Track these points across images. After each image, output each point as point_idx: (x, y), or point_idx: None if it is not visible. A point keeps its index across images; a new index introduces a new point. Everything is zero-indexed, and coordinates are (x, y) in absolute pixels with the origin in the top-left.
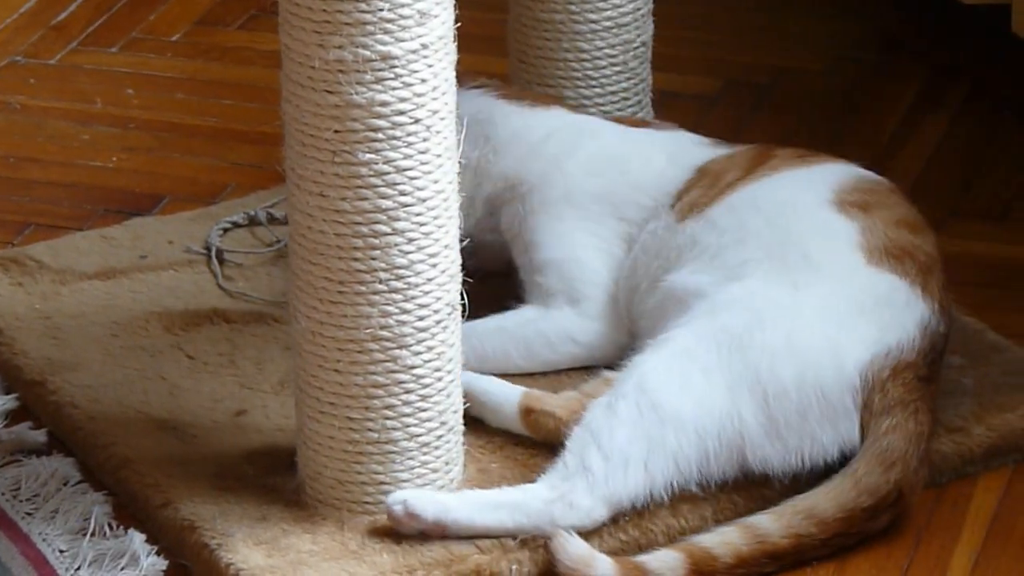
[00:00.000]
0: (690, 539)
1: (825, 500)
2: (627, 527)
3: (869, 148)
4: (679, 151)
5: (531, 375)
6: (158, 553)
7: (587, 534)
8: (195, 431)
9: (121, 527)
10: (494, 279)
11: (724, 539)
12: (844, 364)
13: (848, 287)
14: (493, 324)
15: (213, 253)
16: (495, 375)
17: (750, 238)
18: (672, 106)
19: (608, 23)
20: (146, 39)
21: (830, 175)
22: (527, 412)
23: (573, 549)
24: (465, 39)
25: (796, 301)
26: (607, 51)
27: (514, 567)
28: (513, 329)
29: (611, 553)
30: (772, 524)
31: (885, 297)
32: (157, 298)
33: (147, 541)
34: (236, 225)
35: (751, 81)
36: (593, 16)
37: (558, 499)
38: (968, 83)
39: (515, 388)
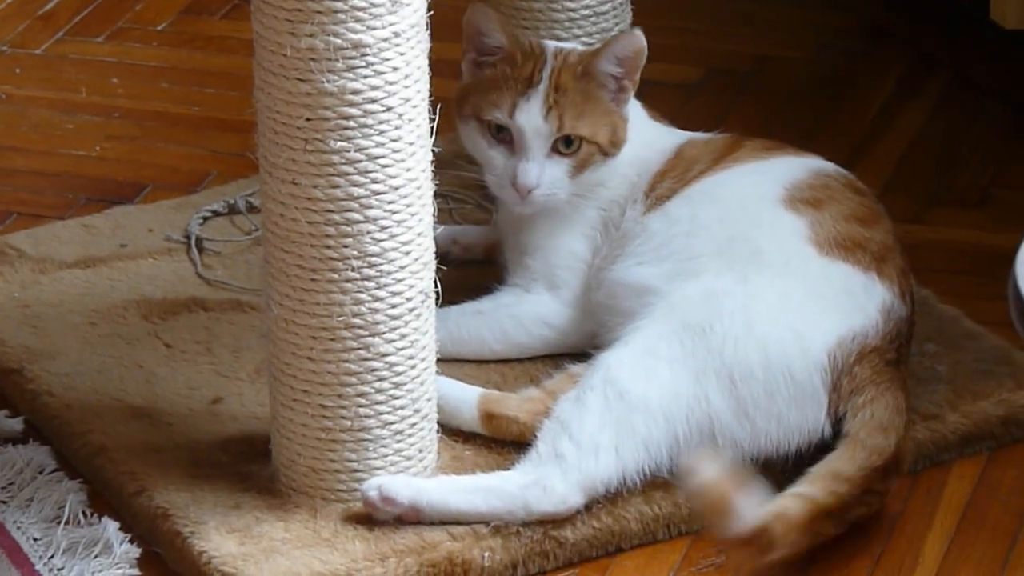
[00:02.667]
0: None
1: (842, 462)
2: (600, 514)
3: (850, 136)
4: (669, 134)
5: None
6: (131, 541)
7: (560, 522)
8: (171, 419)
9: (95, 515)
10: (472, 267)
11: (784, 506)
12: (809, 346)
13: (802, 277)
14: (470, 308)
15: (192, 241)
16: (471, 360)
17: (702, 231)
18: (653, 95)
19: (586, 12)
20: (132, 29)
21: (787, 171)
22: (488, 417)
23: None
24: (439, 27)
25: (752, 292)
26: (584, 40)
27: (486, 554)
28: (489, 313)
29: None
30: (811, 488)
31: (842, 285)
32: (136, 286)
33: (121, 529)
34: (216, 213)
35: (732, 69)
36: (571, 5)
37: (532, 484)
38: (949, 71)
39: (472, 389)
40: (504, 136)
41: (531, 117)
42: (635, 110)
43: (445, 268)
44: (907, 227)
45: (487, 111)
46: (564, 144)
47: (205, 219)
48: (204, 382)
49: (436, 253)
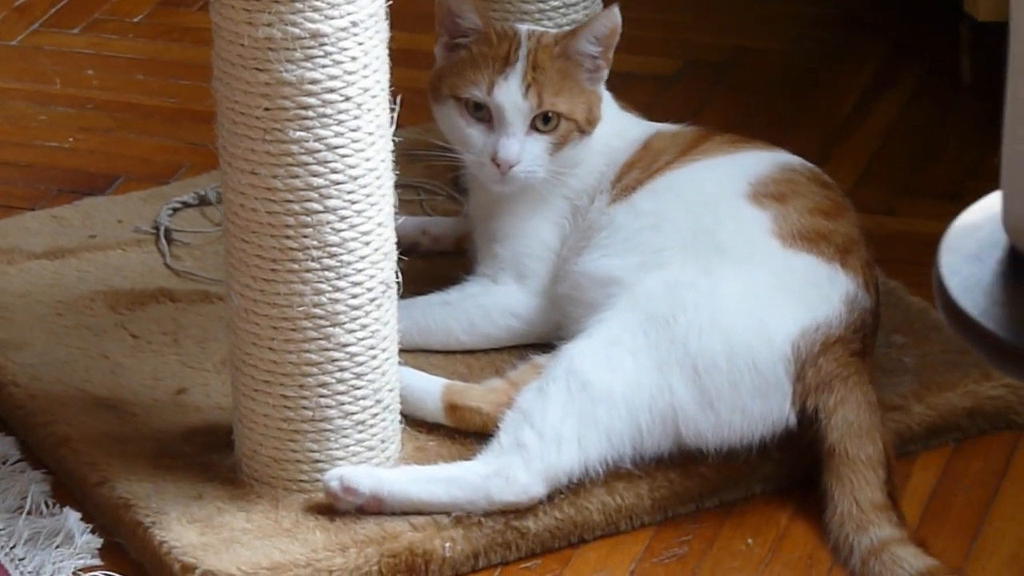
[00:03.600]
0: None
1: (868, 491)
2: (562, 504)
3: (826, 127)
4: (638, 125)
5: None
6: (93, 531)
7: (522, 512)
8: (135, 410)
9: (58, 505)
10: (441, 258)
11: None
12: (773, 336)
13: (766, 268)
14: (437, 299)
15: (161, 232)
16: (438, 350)
17: (666, 224)
18: (630, 86)
19: (556, 3)
20: (108, 20)
21: (752, 165)
22: (452, 408)
23: None
24: (399, 16)
25: (716, 283)
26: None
27: (447, 545)
28: (456, 303)
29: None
30: (875, 535)
31: (805, 275)
32: (104, 277)
33: (83, 519)
34: (186, 205)
35: (710, 60)
36: None
37: (494, 474)
38: (924, 62)
39: (435, 380)
40: (482, 115)
41: (510, 94)
42: (605, 100)
43: (407, 259)
44: (879, 219)
45: (465, 89)
46: (543, 121)
47: (175, 210)
48: (170, 373)
49: (406, 244)
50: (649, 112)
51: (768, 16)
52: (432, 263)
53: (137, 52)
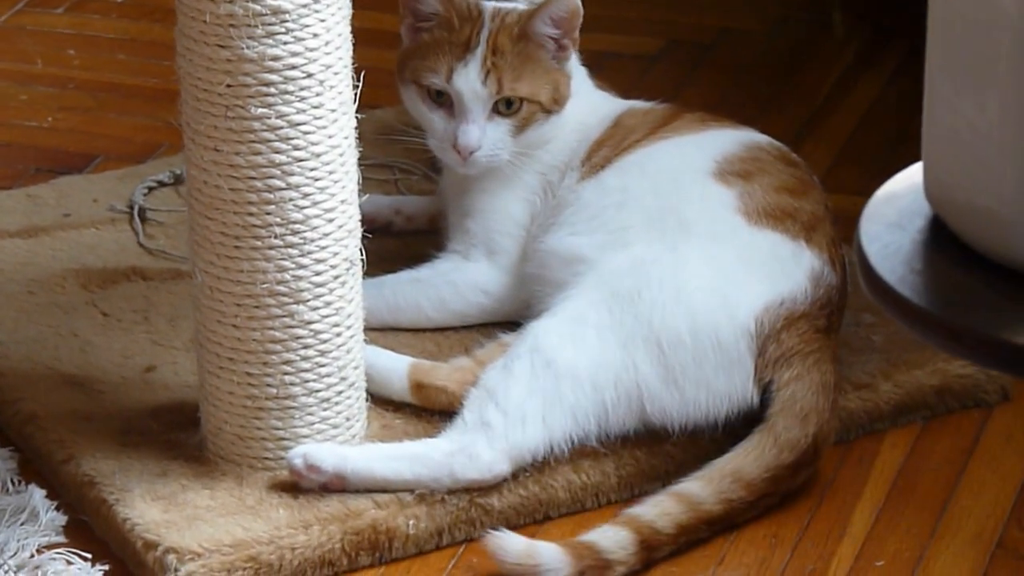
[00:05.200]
0: (629, 513)
1: (748, 461)
2: (527, 482)
3: (806, 108)
4: (611, 102)
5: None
6: (59, 508)
7: (486, 490)
8: (103, 387)
9: (23, 483)
10: (415, 237)
11: (663, 511)
12: (736, 312)
13: (730, 245)
14: (407, 276)
15: (135, 211)
16: (408, 328)
17: (632, 202)
18: (612, 66)
19: None
20: (92, 0)
21: (719, 143)
22: (418, 386)
23: (511, 546)
24: None
25: (680, 260)
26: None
27: (411, 522)
28: (427, 280)
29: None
30: (704, 491)
31: (770, 252)
32: (77, 256)
33: (48, 496)
34: (161, 184)
35: (692, 41)
36: None
37: (458, 451)
38: (905, 44)
39: (401, 359)
40: (444, 100)
41: (469, 81)
42: (580, 77)
43: (376, 237)
44: (855, 199)
45: (425, 76)
46: (504, 106)
47: (150, 189)
48: (139, 351)
49: (380, 223)
50: (631, 92)
51: None
52: (405, 242)
53: (119, 32)
